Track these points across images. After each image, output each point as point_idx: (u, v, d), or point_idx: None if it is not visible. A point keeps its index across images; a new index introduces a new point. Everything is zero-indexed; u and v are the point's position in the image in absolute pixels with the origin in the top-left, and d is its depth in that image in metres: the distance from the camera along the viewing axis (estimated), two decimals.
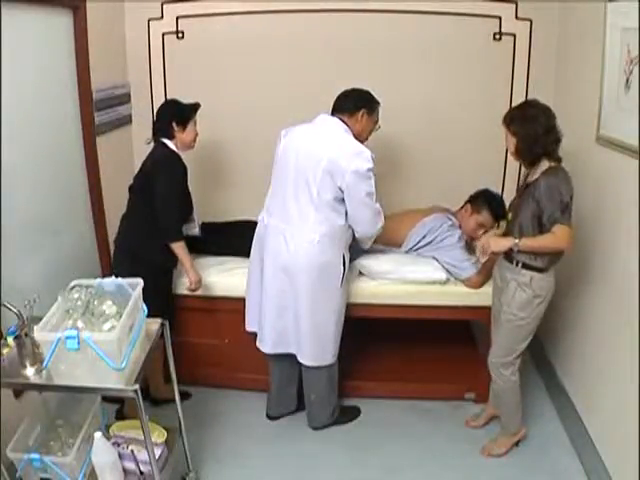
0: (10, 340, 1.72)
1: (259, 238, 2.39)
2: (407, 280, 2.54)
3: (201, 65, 3.04)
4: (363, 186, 2.16)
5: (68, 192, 2.57)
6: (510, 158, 2.26)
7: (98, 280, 1.85)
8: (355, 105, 2.26)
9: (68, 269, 2.42)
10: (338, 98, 2.31)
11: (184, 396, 2.54)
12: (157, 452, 1.90)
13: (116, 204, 2.56)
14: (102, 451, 1.81)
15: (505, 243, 2.06)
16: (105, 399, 2.19)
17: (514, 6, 2.84)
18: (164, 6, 2.96)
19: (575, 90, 2.65)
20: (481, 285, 2.51)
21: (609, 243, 2.21)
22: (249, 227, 2.47)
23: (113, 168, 2.84)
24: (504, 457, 2.37)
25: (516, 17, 2.86)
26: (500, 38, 2.90)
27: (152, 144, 2.43)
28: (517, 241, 2.01)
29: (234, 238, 2.76)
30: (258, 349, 2.45)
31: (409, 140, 3.04)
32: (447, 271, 2.54)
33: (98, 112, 2.69)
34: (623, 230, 2.07)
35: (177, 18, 2.98)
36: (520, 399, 2.31)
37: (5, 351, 1.75)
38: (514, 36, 2.89)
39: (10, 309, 1.66)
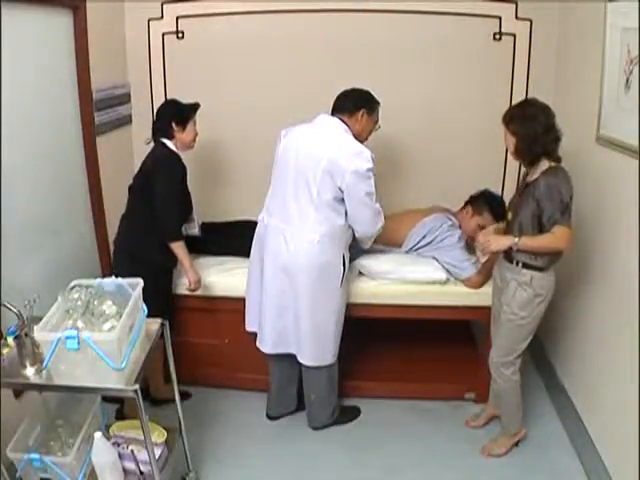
0: (10, 340, 1.72)
1: (259, 238, 2.39)
2: (407, 280, 2.54)
3: (201, 65, 3.04)
4: (363, 186, 2.16)
5: (68, 192, 2.57)
6: (510, 158, 2.26)
7: (98, 280, 1.85)
8: (355, 105, 2.26)
9: (68, 269, 2.42)
10: (338, 98, 2.31)
11: (184, 396, 2.54)
12: (157, 452, 1.90)
13: (116, 204, 2.56)
14: (102, 451, 1.81)
15: (505, 242, 2.06)
16: (105, 399, 2.19)
17: (514, 6, 2.84)
18: (164, 6, 2.96)
19: (575, 90, 2.65)
20: (481, 285, 2.51)
21: (609, 243, 2.21)
22: (249, 227, 2.47)
23: (113, 168, 2.84)
24: (504, 457, 2.37)
25: (516, 17, 2.86)
26: (500, 38, 2.90)
27: (152, 144, 2.43)
28: (516, 240, 2.02)
29: (234, 238, 2.76)
30: (258, 349, 2.45)
31: (409, 140, 3.04)
32: (447, 271, 2.54)
33: (98, 112, 2.69)
34: (623, 230, 2.07)
35: (177, 18, 2.98)
36: (521, 399, 2.31)
37: (5, 351, 1.75)
38: (514, 36, 2.89)
39: (10, 309, 1.66)
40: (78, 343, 1.55)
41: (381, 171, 2.30)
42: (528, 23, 2.86)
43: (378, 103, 2.33)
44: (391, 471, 2.33)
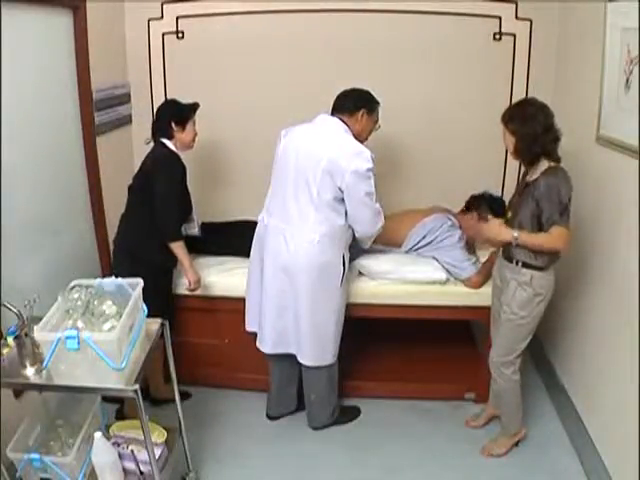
0: (10, 340, 1.72)
1: (259, 238, 2.39)
2: (407, 280, 2.54)
3: (201, 65, 3.04)
4: (363, 186, 2.16)
5: (68, 192, 2.57)
6: (510, 158, 2.26)
7: (98, 280, 1.85)
8: (355, 105, 2.26)
9: (68, 269, 2.42)
10: (338, 98, 2.31)
11: (184, 396, 2.54)
12: (157, 452, 1.90)
13: (116, 204, 2.56)
14: (102, 451, 1.81)
15: (505, 235, 2.05)
16: (105, 399, 2.19)
17: (514, 6, 2.84)
18: (164, 6, 2.96)
19: (575, 90, 2.65)
20: (481, 285, 2.51)
21: (609, 243, 2.21)
22: (249, 227, 2.47)
23: (113, 168, 2.84)
24: (504, 457, 2.37)
25: (516, 17, 2.86)
26: (500, 38, 2.90)
27: (151, 144, 2.43)
28: (517, 234, 2.01)
29: (234, 238, 2.76)
30: (258, 349, 2.45)
31: (409, 140, 3.04)
32: (447, 271, 2.54)
33: (98, 112, 2.69)
34: (623, 230, 2.07)
35: (177, 18, 2.98)
36: (521, 399, 2.31)
37: (5, 351, 1.75)
38: (514, 36, 2.89)
39: (10, 309, 1.66)
40: (78, 343, 1.55)
41: (381, 171, 2.30)
42: (528, 23, 2.86)
43: (378, 103, 2.33)
44: (391, 471, 2.33)
